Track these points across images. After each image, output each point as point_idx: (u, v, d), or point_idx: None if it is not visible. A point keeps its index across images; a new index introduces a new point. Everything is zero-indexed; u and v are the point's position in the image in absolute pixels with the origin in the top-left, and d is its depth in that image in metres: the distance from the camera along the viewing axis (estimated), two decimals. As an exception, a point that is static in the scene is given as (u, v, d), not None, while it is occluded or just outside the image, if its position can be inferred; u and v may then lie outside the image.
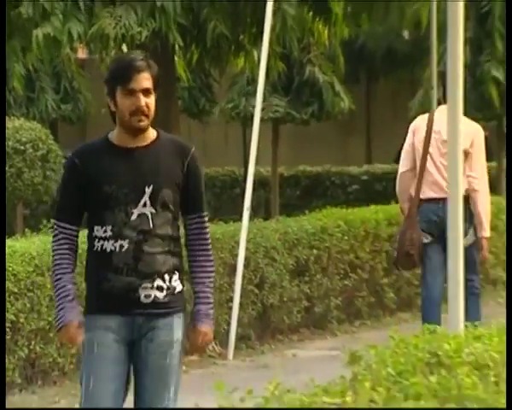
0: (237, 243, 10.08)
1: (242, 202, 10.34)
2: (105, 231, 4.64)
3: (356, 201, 15.41)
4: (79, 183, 4.71)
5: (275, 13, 10.14)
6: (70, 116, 18.67)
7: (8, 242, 9.37)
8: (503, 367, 3.46)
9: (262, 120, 10.92)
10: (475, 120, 14.02)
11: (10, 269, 8.74)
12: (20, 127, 14.67)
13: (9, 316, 8.72)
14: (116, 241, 4.62)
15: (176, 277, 4.69)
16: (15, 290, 8.77)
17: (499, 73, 13.81)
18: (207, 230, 4.79)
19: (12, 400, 8.44)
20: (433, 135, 8.56)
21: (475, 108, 13.79)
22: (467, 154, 8.40)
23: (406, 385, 3.18)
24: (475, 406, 3.10)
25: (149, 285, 4.62)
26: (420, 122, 8.87)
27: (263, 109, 11.72)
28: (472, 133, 8.59)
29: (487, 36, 13.83)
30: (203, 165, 18.13)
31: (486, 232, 8.55)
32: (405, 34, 19.78)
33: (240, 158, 19.30)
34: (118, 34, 10.31)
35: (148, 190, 4.63)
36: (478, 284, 8.67)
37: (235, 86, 16.52)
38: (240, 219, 10.28)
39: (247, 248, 10.11)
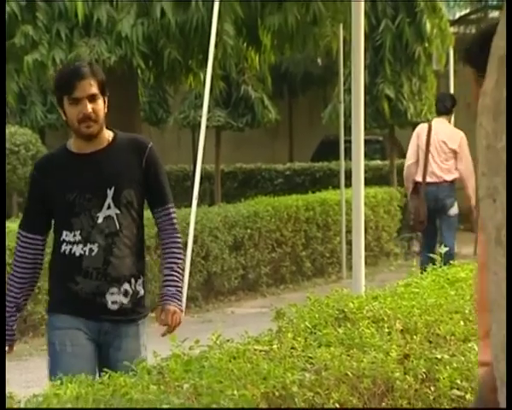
0: (188, 224, 10.05)
1: (192, 192, 10.31)
2: (74, 236, 3.81)
3: (281, 191, 15.40)
4: (41, 194, 3.89)
5: (217, 43, 10.11)
6: (55, 124, 18.45)
7: (6, 223, 9.27)
8: (395, 320, 3.47)
9: (207, 127, 10.87)
10: (372, 127, 14.20)
11: (7, 245, 8.64)
12: (14, 133, 14.56)
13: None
14: (85, 245, 3.79)
15: (140, 281, 3.88)
16: (10, 262, 8.67)
17: (390, 91, 13.89)
18: (174, 220, 3.98)
19: (9, 349, 8.33)
20: (433, 137, 9.47)
21: (372, 119, 13.87)
22: (456, 152, 9.57)
23: (320, 335, 3.19)
24: (374, 351, 3.11)
25: (116, 290, 3.80)
26: (421, 129, 9.84)
27: (208, 119, 11.67)
28: (458, 138, 9.66)
29: (380, 63, 13.90)
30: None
31: (473, 202, 9.55)
32: (319, 61, 19.80)
33: (190, 157, 19.22)
34: (92, 59, 10.20)
35: (110, 192, 3.80)
36: (453, 248, 9.63)
37: (186, 100, 16.45)
38: (190, 205, 10.24)
39: (195, 229, 10.08)
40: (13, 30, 10.32)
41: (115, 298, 3.80)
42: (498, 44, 1.92)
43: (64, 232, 3.83)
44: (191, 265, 10.10)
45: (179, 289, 3.91)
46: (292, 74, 20.52)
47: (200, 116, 11.37)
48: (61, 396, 2.49)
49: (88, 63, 3.94)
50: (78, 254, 3.80)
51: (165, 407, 2.40)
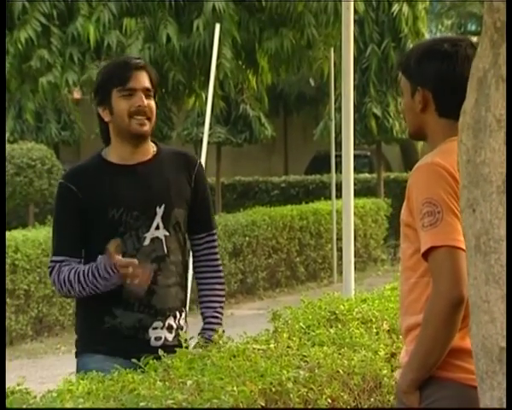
0: (191, 232, 10.06)
1: (194, 202, 10.30)
2: None
3: (276, 202, 15.41)
4: (79, 211, 3.03)
5: (217, 66, 10.13)
6: (68, 140, 18.45)
7: (23, 231, 9.27)
8: (382, 321, 3.47)
9: (209, 143, 10.88)
10: (360, 143, 14.22)
11: (24, 251, 8.63)
12: (31, 148, 14.55)
13: (23, 286, 8.60)
14: None
15: (184, 314, 3.13)
16: (28, 267, 8.66)
17: (377, 110, 13.92)
18: (217, 249, 3.19)
19: (25, 347, 8.32)
20: None
21: (361, 136, 13.90)
22: None
23: (313, 335, 3.18)
24: (363, 350, 3.10)
25: (161, 324, 3.03)
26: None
27: (209, 135, 11.69)
28: None
29: (368, 84, 13.94)
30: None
31: None
32: (312, 82, 19.84)
33: (192, 171, 19.23)
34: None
35: (160, 211, 3.02)
36: None
37: (189, 118, 16.48)
38: (192, 215, 10.25)
39: (197, 236, 10.08)
40: (29, 53, 10.34)
41: (159, 333, 3.03)
42: (478, 66, 1.92)
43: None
44: (194, 270, 10.12)
45: (222, 333, 3.10)
46: (287, 94, 20.56)
47: (202, 133, 11.39)
48: (73, 392, 2.48)
49: (139, 57, 3.19)
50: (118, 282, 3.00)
51: (169, 401, 2.39)
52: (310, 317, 3.39)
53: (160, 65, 10.63)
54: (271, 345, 3.00)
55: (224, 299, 3.26)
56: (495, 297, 1.84)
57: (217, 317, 3.21)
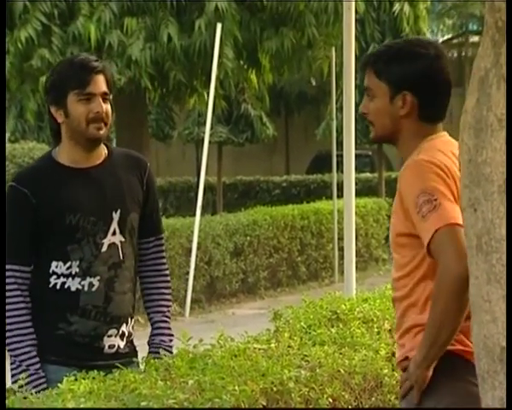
0: (192, 231, 10.05)
1: (196, 202, 10.30)
2: (69, 268, 2.92)
3: (278, 201, 15.40)
4: (33, 216, 2.92)
5: (219, 65, 10.14)
6: (69, 140, 18.50)
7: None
8: (384, 321, 3.47)
9: (210, 142, 10.88)
10: (362, 143, 14.20)
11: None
12: (33, 148, 14.58)
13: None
14: (84, 279, 2.92)
15: (133, 321, 3.06)
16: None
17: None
18: (164, 253, 3.14)
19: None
20: None
21: (362, 135, 13.90)
22: None
23: (314, 335, 3.18)
24: (364, 349, 3.10)
25: (115, 332, 2.97)
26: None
27: (210, 135, 11.69)
28: None
29: (370, 83, 13.93)
30: (167, 176, 17.97)
31: None
32: (313, 81, 19.83)
33: (193, 170, 19.22)
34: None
35: (116, 216, 2.97)
36: None
37: (190, 118, 16.48)
38: (194, 214, 10.25)
39: (199, 236, 10.08)
40: (30, 53, 10.35)
41: (113, 341, 2.97)
42: (479, 66, 1.92)
43: (54, 263, 2.92)
44: (195, 269, 10.11)
45: (172, 337, 3.09)
46: (288, 94, 20.56)
47: (204, 132, 11.40)
48: (75, 391, 2.48)
49: (97, 58, 3.05)
50: (73, 288, 2.92)
51: (171, 401, 2.39)
52: (311, 316, 3.39)
53: (161, 64, 10.64)
54: (272, 345, 3.00)
55: (171, 304, 3.17)
56: (496, 297, 1.84)
57: (166, 321, 3.10)
